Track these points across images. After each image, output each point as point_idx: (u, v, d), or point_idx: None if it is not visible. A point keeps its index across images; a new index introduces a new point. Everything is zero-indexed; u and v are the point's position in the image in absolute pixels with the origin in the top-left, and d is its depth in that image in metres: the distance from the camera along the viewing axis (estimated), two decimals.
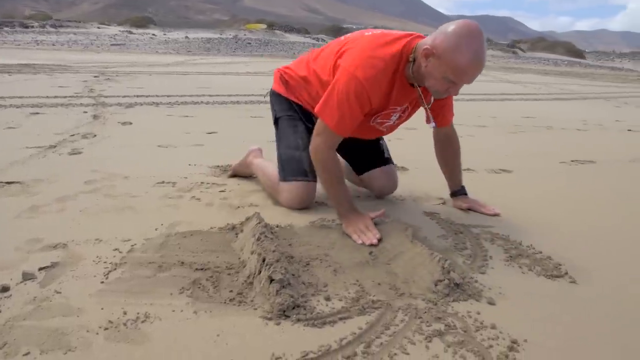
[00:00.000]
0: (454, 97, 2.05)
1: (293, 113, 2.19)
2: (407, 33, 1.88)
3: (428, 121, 2.06)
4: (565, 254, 1.77)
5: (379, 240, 1.74)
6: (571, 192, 2.72)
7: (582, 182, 2.99)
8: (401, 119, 2.07)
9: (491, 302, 1.39)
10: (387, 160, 2.32)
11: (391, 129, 2.12)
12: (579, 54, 50.63)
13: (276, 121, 2.25)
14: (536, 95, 9.51)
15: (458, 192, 2.28)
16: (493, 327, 1.27)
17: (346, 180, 2.54)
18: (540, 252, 1.78)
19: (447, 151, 2.23)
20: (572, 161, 3.53)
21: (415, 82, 1.85)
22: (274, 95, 2.26)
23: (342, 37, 2.03)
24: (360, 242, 1.74)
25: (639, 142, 4.76)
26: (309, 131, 2.17)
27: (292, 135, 2.17)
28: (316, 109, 1.87)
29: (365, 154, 2.30)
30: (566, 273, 1.62)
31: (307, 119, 2.18)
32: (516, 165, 3.26)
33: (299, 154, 2.12)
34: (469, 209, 2.21)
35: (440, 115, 2.11)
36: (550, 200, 2.52)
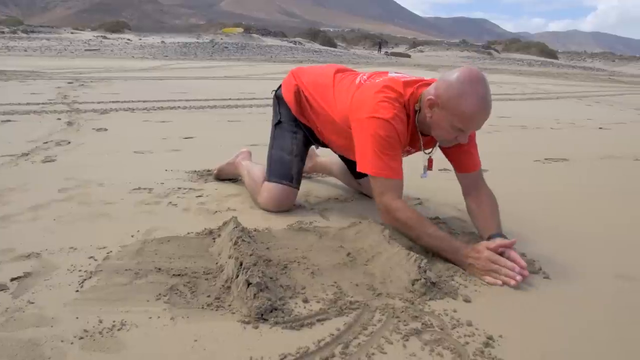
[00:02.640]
0: None
1: (297, 124, 2.21)
2: (412, 80, 1.86)
3: (425, 168, 2.00)
4: (539, 251, 1.81)
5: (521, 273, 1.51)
6: (545, 189, 2.78)
7: (556, 179, 3.05)
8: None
9: (467, 300, 1.42)
10: None
11: None
12: (552, 54, 51.63)
13: (278, 123, 2.25)
14: (511, 96, 9.67)
15: (494, 235, 1.72)
16: (469, 324, 1.29)
17: (339, 182, 2.58)
18: (515, 249, 1.80)
19: (480, 203, 1.88)
20: (546, 159, 3.60)
21: (422, 131, 1.86)
22: (284, 103, 2.24)
23: (357, 81, 1.98)
24: (501, 283, 1.51)
25: (609, 139, 4.88)
26: (307, 143, 2.22)
27: (289, 139, 2.19)
28: (359, 169, 1.81)
29: None
30: (540, 269, 1.65)
31: (310, 134, 2.22)
32: (492, 164, 3.30)
33: (289, 158, 2.15)
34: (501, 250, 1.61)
35: (457, 160, 1.94)
36: (525, 198, 2.57)
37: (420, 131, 1.87)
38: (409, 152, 2.00)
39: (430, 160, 1.98)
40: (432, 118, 1.74)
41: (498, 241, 1.61)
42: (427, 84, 1.83)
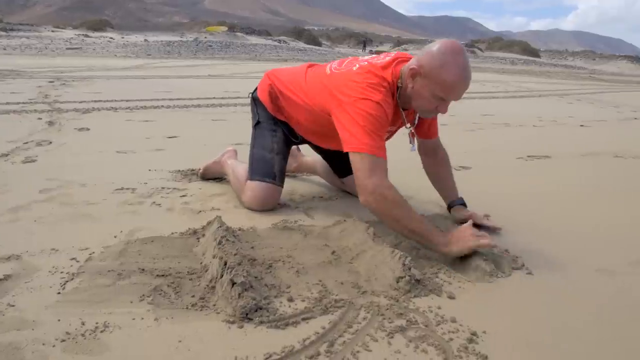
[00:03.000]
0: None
1: (275, 122, 2.22)
2: (388, 61, 1.86)
3: (412, 141, 2.04)
4: (522, 247, 1.83)
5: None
6: (527, 186, 2.81)
7: (538, 176, 3.09)
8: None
9: (451, 296, 1.43)
10: None
11: None
12: (534, 52, 52.16)
13: (257, 124, 2.26)
14: (494, 94, 9.76)
15: (456, 202, 2.11)
16: (453, 320, 1.30)
17: (323, 181, 2.58)
18: (497, 246, 1.83)
19: (437, 164, 2.17)
20: (529, 157, 3.65)
21: (403, 106, 1.89)
22: (260, 103, 2.26)
23: (327, 70, 1.99)
24: (494, 244, 1.65)
25: (590, 137, 4.95)
26: (287, 141, 2.22)
27: (269, 138, 2.19)
28: (346, 149, 1.77)
29: (348, 159, 2.27)
30: (523, 265, 1.67)
31: (290, 132, 2.22)
32: (475, 161, 3.34)
33: (270, 156, 2.15)
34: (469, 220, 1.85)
35: (424, 130, 2.11)
36: (507, 195, 2.59)
37: (401, 107, 1.90)
38: (389, 133, 2.03)
39: (412, 134, 2.04)
40: (413, 88, 1.77)
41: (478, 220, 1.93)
42: (403, 60, 1.86)
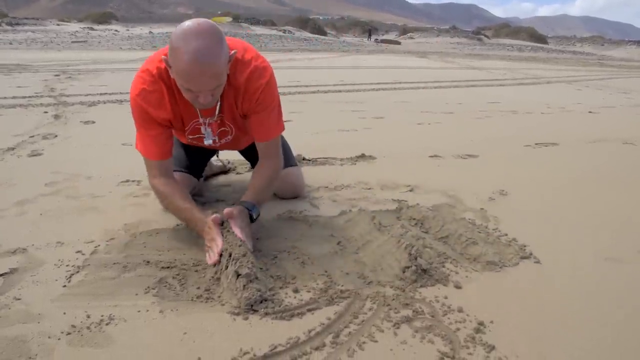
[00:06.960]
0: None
1: None
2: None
3: (207, 132, 1.84)
4: (530, 236, 1.81)
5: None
6: (535, 174, 2.78)
7: (546, 164, 3.06)
8: (233, 134, 1.90)
9: (458, 286, 1.42)
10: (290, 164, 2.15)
11: (230, 143, 1.98)
12: (541, 39, 51.53)
13: None
14: (501, 81, 9.66)
15: (244, 203, 1.70)
16: (460, 310, 1.29)
17: (328, 171, 2.56)
18: (506, 235, 1.81)
19: (256, 171, 1.85)
20: (537, 144, 3.61)
21: None
22: None
23: None
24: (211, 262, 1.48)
25: (599, 123, 4.89)
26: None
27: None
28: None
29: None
30: (531, 254, 1.66)
31: None
32: (482, 150, 3.31)
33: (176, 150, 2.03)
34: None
35: (251, 131, 1.85)
36: (515, 183, 2.57)
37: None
38: (224, 126, 1.85)
39: (213, 125, 1.83)
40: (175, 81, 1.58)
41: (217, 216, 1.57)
42: None
